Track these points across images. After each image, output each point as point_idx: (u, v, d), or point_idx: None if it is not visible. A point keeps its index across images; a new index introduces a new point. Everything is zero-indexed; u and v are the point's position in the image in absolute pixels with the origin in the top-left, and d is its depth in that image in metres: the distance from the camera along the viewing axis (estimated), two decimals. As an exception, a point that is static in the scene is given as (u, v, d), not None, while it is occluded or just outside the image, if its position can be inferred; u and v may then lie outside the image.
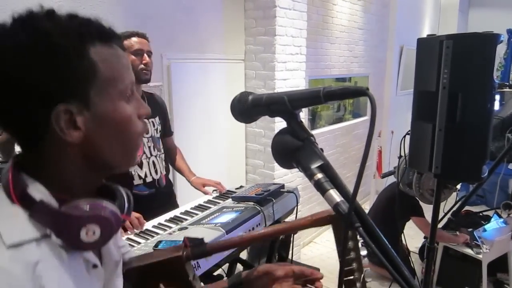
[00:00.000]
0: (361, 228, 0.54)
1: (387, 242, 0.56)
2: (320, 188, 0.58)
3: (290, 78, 3.30)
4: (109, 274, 0.74)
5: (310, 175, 0.60)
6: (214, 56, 3.03)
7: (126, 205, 0.71)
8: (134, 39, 1.90)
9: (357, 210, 0.56)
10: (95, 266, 0.67)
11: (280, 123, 3.17)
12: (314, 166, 0.60)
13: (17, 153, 0.65)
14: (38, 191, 0.59)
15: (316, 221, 0.91)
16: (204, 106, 3.00)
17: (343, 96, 0.57)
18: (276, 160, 0.67)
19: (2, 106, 0.59)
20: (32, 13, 0.60)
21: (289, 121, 0.65)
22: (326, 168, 0.60)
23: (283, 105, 0.64)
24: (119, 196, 0.71)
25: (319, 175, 0.59)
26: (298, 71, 3.38)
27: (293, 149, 0.63)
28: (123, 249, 0.88)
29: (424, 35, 1.90)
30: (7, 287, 0.52)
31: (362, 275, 0.83)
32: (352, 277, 0.82)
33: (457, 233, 3.25)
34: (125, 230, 1.66)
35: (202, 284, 0.94)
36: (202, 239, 0.89)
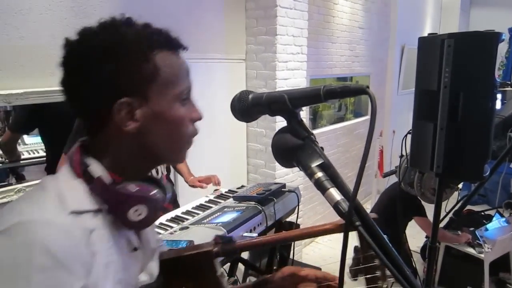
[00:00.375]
0: (361, 227, 0.53)
1: (388, 241, 0.56)
2: (320, 187, 0.58)
3: (291, 78, 3.30)
4: (146, 259, 0.81)
5: (310, 174, 0.60)
6: (215, 56, 3.03)
7: (168, 195, 0.79)
8: None
9: (358, 209, 0.55)
10: (135, 249, 0.75)
11: (281, 123, 3.16)
12: (314, 164, 0.60)
13: (84, 138, 0.75)
14: (97, 170, 0.68)
15: (328, 230, 0.91)
16: (205, 106, 2.97)
17: (344, 94, 0.57)
18: (276, 159, 0.67)
19: (77, 94, 0.70)
20: (114, 19, 0.72)
21: (290, 119, 0.65)
22: (326, 167, 0.60)
23: (284, 104, 0.64)
24: (163, 186, 0.78)
25: (319, 174, 0.59)
26: (299, 71, 3.38)
27: (294, 147, 0.63)
28: (159, 243, 0.97)
29: (426, 34, 1.89)
30: (67, 245, 0.58)
31: (386, 285, 0.84)
32: (375, 286, 0.84)
33: (459, 232, 3.24)
34: None
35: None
36: (231, 237, 0.93)
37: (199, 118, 0.76)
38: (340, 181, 0.59)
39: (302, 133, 0.63)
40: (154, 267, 0.85)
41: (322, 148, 0.63)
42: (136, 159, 0.73)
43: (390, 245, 0.56)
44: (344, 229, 0.53)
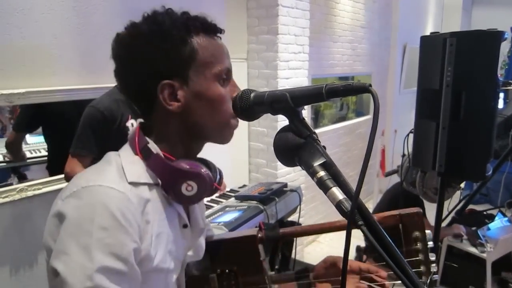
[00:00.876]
0: (364, 227, 0.53)
1: (391, 241, 0.56)
2: (322, 186, 0.58)
3: (293, 77, 3.29)
4: (195, 237, 0.87)
5: (312, 172, 0.59)
6: (216, 55, 3.02)
7: (218, 176, 0.85)
8: None
9: (360, 208, 0.55)
10: (185, 226, 0.81)
11: (282, 122, 3.16)
12: (316, 163, 0.60)
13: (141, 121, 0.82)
14: (153, 148, 0.75)
15: (384, 219, 0.94)
16: (207, 105, 3.00)
17: (346, 93, 0.56)
18: (278, 158, 0.67)
19: (127, 80, 0.78)
20: (154, 11, 0.77)
21: (292, 118, 0.65)
22: (328, 166, 0.60)
23: (285, 102, 0.63)
24: (212, 167, 0.86)
25: (322, 173, 0.58)
26: (301, 70, 3.37)
27: (296, 146, 0.63)
28: (208, 226, 1.03)
29: (428, 33, 1.89)
30: (126, 209, 0.65)
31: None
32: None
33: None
34: None
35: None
36: (276, 224, 0.96)
37: None
38: (343, 180, 0.59)
39: (304, 132, 0.63)
40: (201, 246, 0.91)
41: (324, 147, 0.62)
42: (184, 138, 0.78)
43: (393, 244, 0.56)
44: (347, 228, 0.52)
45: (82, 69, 2.14)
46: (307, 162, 0.61)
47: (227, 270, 0.94)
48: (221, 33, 0.81)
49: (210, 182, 0.75)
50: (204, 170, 0.74)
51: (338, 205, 0.55)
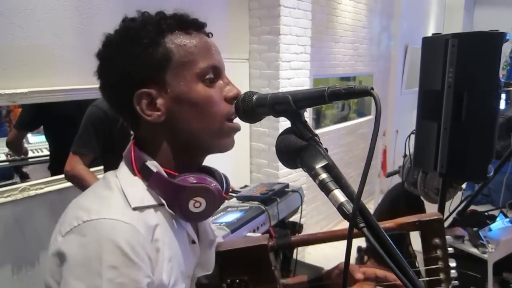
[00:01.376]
0: (365, 229, 0.53)
1: (392, 243, 0.56)
2: (324, 188, 0.58)
3: (295, 77, 3.30)
4: (204, 250, 0.82)
5: (314, 175, 0.60)
6: (218, 56, 3.03)
7: (225, 185, 0.78)
8: None
9: (362, 211, 0.55)
10: (193, 242, 0.76)
11: (284, 123, 3.17)
12: (318, 166, 0.60)
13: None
14: (153, 165, 0.69)
15: (403, 226, 0.90)
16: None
17: (348, 96, 0.57)
18: (280, 160, 0.67)
19: (106, 95, 0.73)
20: (126, 17, 0.72)
21: (294, 120, 0.65)
22: (330, 168, 0.60)
23: (288, 105, 0.64)
24: (218, 176, 0.79)
25: (324, 175, 0.59)
26: (302, 70, 3.38)
27: (297, 148, 0.63)
28: (216, 233, 0.97)
29: (429, 34, 1.89)
30: (135, 242, 0.59)
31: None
32: None
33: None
34: None
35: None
36: (287, 231, 0.94)
37: (233, 96, 0.72)
38: (344, 182, 0.59)
39: (306, 134, 0.63)
40: (210, 258, 0.86)
41: (326, 149, 0.62)
42: (179, 150, 0.72)
43: (395, 247, 0.56)
44: (348, 230, 0.53)
45: (84, 69, 2.14)
46: (309, 164, 0.61)
47: (237, 280, 0.91)
48: (203, 27, 0.73)
49: (219, 194, 0.70)
50: (211, 182, 0.69)
51: (340, 208, 0.55)
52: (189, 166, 0.73)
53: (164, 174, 0.69)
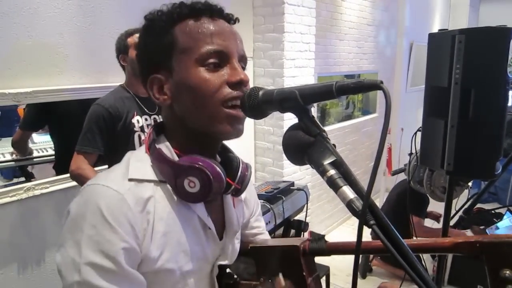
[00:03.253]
0: (375, 226, 0.52)
1: (403, 241, 0.55)
2: (333, 185, 0.57)
3: (299, 75, 3.28)
4: (229, 239, 0.84)
5: (322, 171, 0.58)
6: (222, 54, 3.02)
7: (239, 174, 0.80)
8: (137, 35, 1.89)
9: (372, 208, 0.54)
10: (208, 227, 0.78)
11: (289, 121, 3.15)
12: (326, 162, 0.58)
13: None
14: (162, 144, 0.75)
15: (458, 245, 0.75)
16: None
17: (357, 90, 0.55)
18: (287, 156, 0.66)
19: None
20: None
21: (301, 116, 0.64)
22: (339, 164, 0.58)
23: (295, 100, 0.62)
24: (235, 165, 0.81)
25: (332, 172, 0.57)
26: (307, 68, 3.36)
27: (305, 145, 0.62)
28: (256, 230, 1.02)
29: (434, 30, 1.86)
30: (117, 208, 0.64)
31: None
32: None
33: (469, 231, 3.21)
34: None
35: None
36: (323, 235, 0.88)
37: (237, 81, 0.71)
38: (353, 179, 0.58)
39: (313, 130, 0.62)
40: (232, 249, 0.86)
41: (334, 145, 0.61)
42: (186, 134, 0.75)
43: (406, 244, 0.55)
44: (358, 227, 0.51)
45: (88, 68, 2.14)
46: (317, 160, 0.59)
47: (270, 280, 0.87)
48: (219, 14, 0.74)
49: (216, 178, 0.69)
50: (206, 164, 0.69)
51: (349, 204, 0.54)
52: (200, 151, 0.73)
53: (165, 152, 0.73)
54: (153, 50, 0.73)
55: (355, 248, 0.53)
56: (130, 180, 0.69)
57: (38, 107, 2.01)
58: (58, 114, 2.15)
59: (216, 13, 0.74)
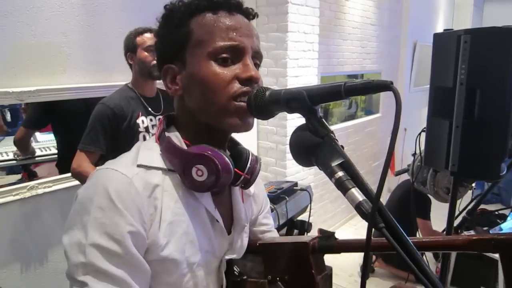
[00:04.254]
0: (384, 229, 0.52)
1: (412, 244, 0.54)
2: (341, 186, 0.56)
3: (302, 75, 3.27)
4: (237, 233, 0.85)
5: (330, 173, 0.58)
6: (225, 53, 3.01)
7: (248, 165, 0.79)
8: (147, 35, 1.89)
9: (381, 210, 0.53)
10: (215, 220, 0.78)
11: (292, 121, 3.15)
12: (334, 164, 0.58)
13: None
14: (171, 134, 0.76)
15: (473, 244, 0.74)
16: (216, 103, 2.99)
17: (366, 90, 0.54)
18: (294, 157, 0.65)
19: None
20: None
21: (308, 117, 0.63)
22: (347, 166, 0.58)
23: (302, 101, 0.62)
24: (244, 157, 0.80)
25: (340, 173, 0.57)
26: (310, 68, 3.35)
27: (313, 146, 0.61)
28: (265, 227, 1.01)
29: (438, 30, 1.86)
30: (124, 192, 0.65)
31: None
32: None
33: (472, 232, 3.19)
34: None
35: None
36: (333, 233, 0.87)
37: (247, 77, 0.71)
38: (362, 180, 0.57)
39: (321, 131, 0.61)
40: (241, 243, 0.87)
41: (342, 146, 0.60)
42: (196, 125, 0.75)
43: (414, 247, 0.54)
44: (367, 231, 0.51)
45: (92, 67, 2.14)
46: (325, 162, 0.59)
47: (278, 278, 0.87)
48: (237, 8, 0.74)
49: (224, 167, 0.69)
50: (214, 153, 0.69)
51: (358, 207, 0.53)
52: (210, 143, 0.73)
53: (174, 141, 0.73)
54: (169, 41, 0.74)
55: (365, 250, 0.52)
56: (139, 166, 0.70)
57: (42, 105, 2.01)
58: (62, 113, 2.15)
59: (235, 7, 0.74)
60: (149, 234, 0.67)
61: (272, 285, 0.87)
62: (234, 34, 0.71)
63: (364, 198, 0.54)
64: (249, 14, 0.77)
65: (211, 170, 0.68)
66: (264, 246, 0.91)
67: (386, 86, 0.52)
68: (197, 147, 0.71)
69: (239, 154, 0.81)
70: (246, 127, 0.73)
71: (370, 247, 0.80)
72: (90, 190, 0.66)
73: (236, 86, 0.70)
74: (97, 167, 0.71)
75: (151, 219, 0.67)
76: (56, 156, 2.19)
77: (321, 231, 0.88)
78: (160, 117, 2.01)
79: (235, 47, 0.70)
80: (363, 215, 0.52)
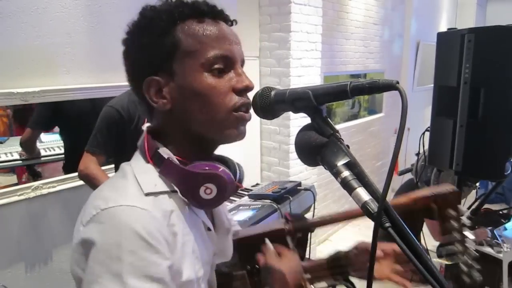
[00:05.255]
0: (391, 229, 0.51)
1: (418, 243, 0.54)
2: (347, 186, 0.56)
3: (305, 75, 3.27)
4: (221, 239, 0.83)
5: (336, 172, 0.58)
6: (228, 53, 3.01)
7: (238, 174, 0.78)
8: None
9: (387, 210, 0.53)
10: (209, 229, 0.77)
11: (295, 121, 3.15)
12: (340, 163, 0.58)
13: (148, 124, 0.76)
14: (164, 152, 0.70)
15: (418, 200, 0.94)
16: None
17: (372, 90, 0.54)
18: (299, 157, 0.65)
19: (128, 81, 0.75)
20: (145, 5, 0.72)
21: (314, 116, 0.63)
22: (353, 166, 0.58)
23: (308, 100, 0.62)
24: (232, 165, 0.79)
25: (346, 173, 0.57)
26: (313, 68, 3.35)
27: (318, 145, 0.61)
28: (232, 222, 1.01)
29: (441, 30, 1.86)
30: (152, 227, 0.61)
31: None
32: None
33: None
34: None
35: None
36: (302, 215, 0.96)
37: (243, 88, 0.70)
38: (367, 180, 0.57)
39: (327, 131, 0.61)
40: (228, 246, 0.88)
41: (347, 146, 0.61)
42: (188, 138, 0.72)
43: (421, 247, 0.54)
44: (374, 230, 0.51)
45: (96, 67, 2.15)
46: (330, 161, 0.59)
47: (257, 266, 0.91)
48: (220, 15, 0.72)
49: (230, 181, 0.69)
50: (221, 170, 0.68)
51: (364, 206, 0.53)
52: (200, 154, 0.72)
53: (176, 160, 0.69)
54: (151, 51, 0.68)
55: (371, 252, 0.52)
56: (147, 194, 0.66)
57: (49, 106, 2.01)
58: (68, 114, 2.16)
59: (218, 15, 0.72)
60: (174, 262, 0.64)
61: (252, 273, 0.93)
62: (225, 43, 0.69)
63: (370, 197, 0.54)
64: (229, 21, 0.75)
65: (221, 187, 0.67)
66: (240, 241, 0.94)
67: (392, 86, 0.52)
68: (200, 165, 0.68)
69: (224, 161, 0.79)
70: (242, 137, 0.72)
71: (348, 216, 0.98)
72: (112, 235, 0.59)
73: (235, 98, 0.69)
74: (104, 207, 0.62)
75: (173, 247, 0.65)
76: (61, 156, 2.19)
77: (290, 215, 0.95)
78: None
79: (227, 56, 0.69)
80: (369, 215, 0.52)
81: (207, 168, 0.68)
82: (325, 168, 0.61)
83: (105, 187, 0.70)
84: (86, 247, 0.60)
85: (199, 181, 0.67)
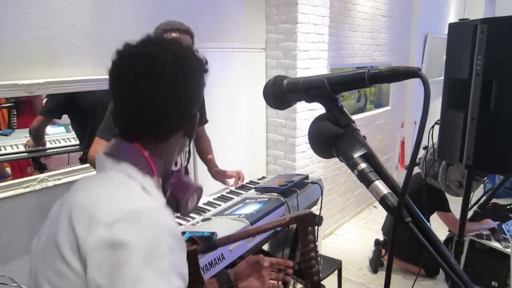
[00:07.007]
0: (411, 223, 0.49)
1: (438, 237, 0.51)
2: (364, 179, 0.53)
3: (312, 67, 3.23)
4: None
5: (352, 164, 0.55)
6: (234, 45, 2.98)
7: None
8: (174, 35, 1.80)
9: (407, 204, 0.51)
10: None
11: (301, 113, 3.11)
12: (357, 155, 0.55)
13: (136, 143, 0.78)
14: (159, 168, 0.75)
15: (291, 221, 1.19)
16: (224, 96, 2.96)
17: (391, 78, 0.52)
18: (313, 149, 0.62)
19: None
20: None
21: (329, 106, 0.60)
22: (370, 157, 0.55)
23: (323, 89, 0.59)
24: None
25: (363, 165, 0.54)
26: (320, 60, 3.31)
27: (334, 136, 0.59)
28: None
29: (450, 22, 1.81)
30: (178, 229, 0.66)
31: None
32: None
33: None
34: None
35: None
36: (210, 235, 1.10)
37: None
38: (386, 173, 0.54)
39: (343, 121, 0.59)
40: None
41: (364, 136, 0.58)
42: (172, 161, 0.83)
43: (441, 241, 0.51)
44: (393, 225, 0.48)
45: (101, 59, 2.13)
46: (346, 153, 0.56)
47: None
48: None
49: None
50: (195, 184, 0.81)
51: (383, 200, 0.51)
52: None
53: (183, 172, 0.81)
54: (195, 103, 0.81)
55: (390, 246, 0.49)
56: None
57: (60, 95, 2.00)
58: (79, 105, 2.15)
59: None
60: None
61: None
62: None
63: (389, 191, 0.51)
64: None
65: (199, 196, 0.80)
66: None
67: (414, 73, 0.50)
68: (184, 178, 0.80)
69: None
70: None
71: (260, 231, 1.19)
72: (150, 234, 0.60)
73: None
74: (132, 208, 0.63)
75: None
76: (66, 148, 2.18)
77: (198, 237, 1.06)
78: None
79: None
80: (389, 209, 0.50)
81: (191, 182, 0.83)
82: (340, 160, 0.58)
83: (109, 190, 0.70)
84: (117, 247, 0.59)
85: (191, 192, 0.82)
